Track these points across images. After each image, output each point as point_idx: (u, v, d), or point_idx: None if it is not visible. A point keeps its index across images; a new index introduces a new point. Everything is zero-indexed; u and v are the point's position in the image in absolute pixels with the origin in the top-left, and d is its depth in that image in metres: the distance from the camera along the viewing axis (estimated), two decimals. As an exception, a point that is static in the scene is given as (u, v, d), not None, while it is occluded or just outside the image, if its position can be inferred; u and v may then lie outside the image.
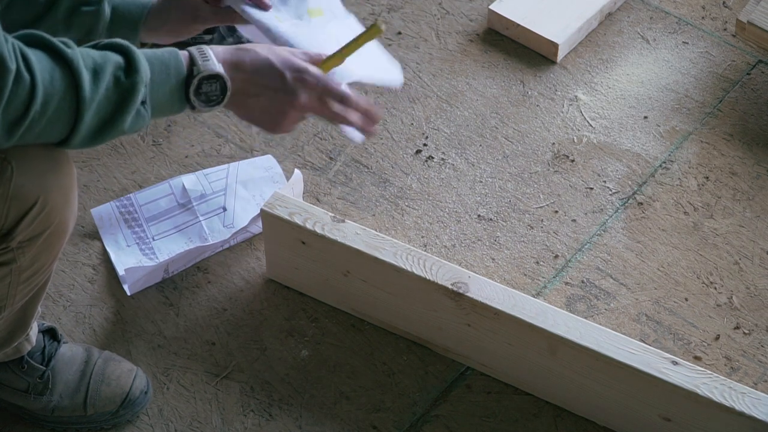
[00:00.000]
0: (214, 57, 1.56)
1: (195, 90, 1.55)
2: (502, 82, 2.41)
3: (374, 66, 1.75)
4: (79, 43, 1.52)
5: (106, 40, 1.53)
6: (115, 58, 1.50)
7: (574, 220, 2.21)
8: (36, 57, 1.43)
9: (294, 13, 1.78)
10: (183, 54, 1.56)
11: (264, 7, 1.75)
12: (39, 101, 1.42)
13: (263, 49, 1.60)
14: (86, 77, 1.46)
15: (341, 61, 1.63)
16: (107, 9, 1.72)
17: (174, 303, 2.09)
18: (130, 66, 1.50)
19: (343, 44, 1.63)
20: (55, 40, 1.46)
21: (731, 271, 2.13)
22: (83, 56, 1.47)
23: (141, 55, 1.51)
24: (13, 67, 1.39)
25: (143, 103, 1.52)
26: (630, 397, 1.87)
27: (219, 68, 1.55)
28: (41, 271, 1.69)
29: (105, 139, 1.51)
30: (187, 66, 1.55)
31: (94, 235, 2.16)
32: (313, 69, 1.61)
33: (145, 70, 1.50)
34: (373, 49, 1.74)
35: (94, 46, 1.52)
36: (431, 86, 2.40)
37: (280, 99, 1.60)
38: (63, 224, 1.63)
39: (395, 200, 2.23)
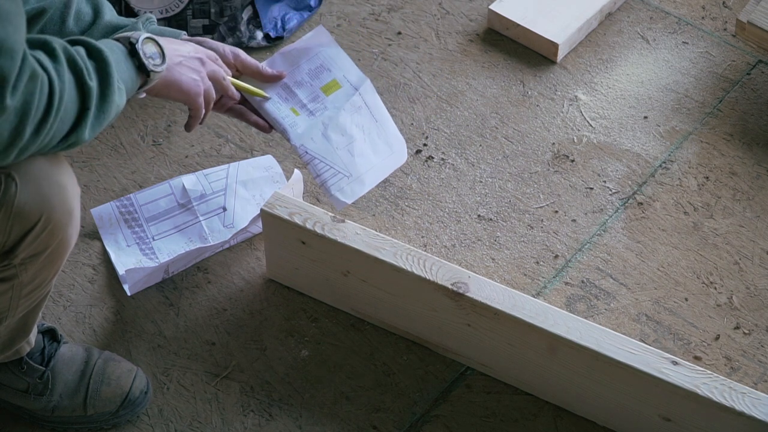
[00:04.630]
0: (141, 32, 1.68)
1: (143, 55, 1.63)
2: (502, 82, 2.41)
3: (378, 168, 1.98)
4: None
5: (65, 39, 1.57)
6: (77, 48, 1.54)
7: (574, 220, 2.21)
8: (39, 56, 1.45)
9: (309, 95, 1.94)
10: (116, 36, 1.65)
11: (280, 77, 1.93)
12: (56, 99, 1.45)
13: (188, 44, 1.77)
14: (84, 66, 1.50)
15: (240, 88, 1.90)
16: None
17: (174, 303, 2.09)
18: (90, 51, 1.54)
19: (248, 85, 1.91)
20: (46, 37, 1.48)
21: (731, 271, 2.13)
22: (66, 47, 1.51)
23: (92, 40, 1.57)
24: (40, 71, 1.42)
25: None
26: (630, 397, 1.87)
27: (144, 34, 1.66)
28: (43, 286, 1.69)
29: (108, 119, 1.55)
30: (125, 44, 1.63)
31: (94, 235, 2.16)
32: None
33: (102, 48, 1.55)
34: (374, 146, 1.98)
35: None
36: (431, 86, 2.40)
37: (194, 65, 1.75)
38: (65, 242, 1.63)
39: (395, 200, 2.23)
